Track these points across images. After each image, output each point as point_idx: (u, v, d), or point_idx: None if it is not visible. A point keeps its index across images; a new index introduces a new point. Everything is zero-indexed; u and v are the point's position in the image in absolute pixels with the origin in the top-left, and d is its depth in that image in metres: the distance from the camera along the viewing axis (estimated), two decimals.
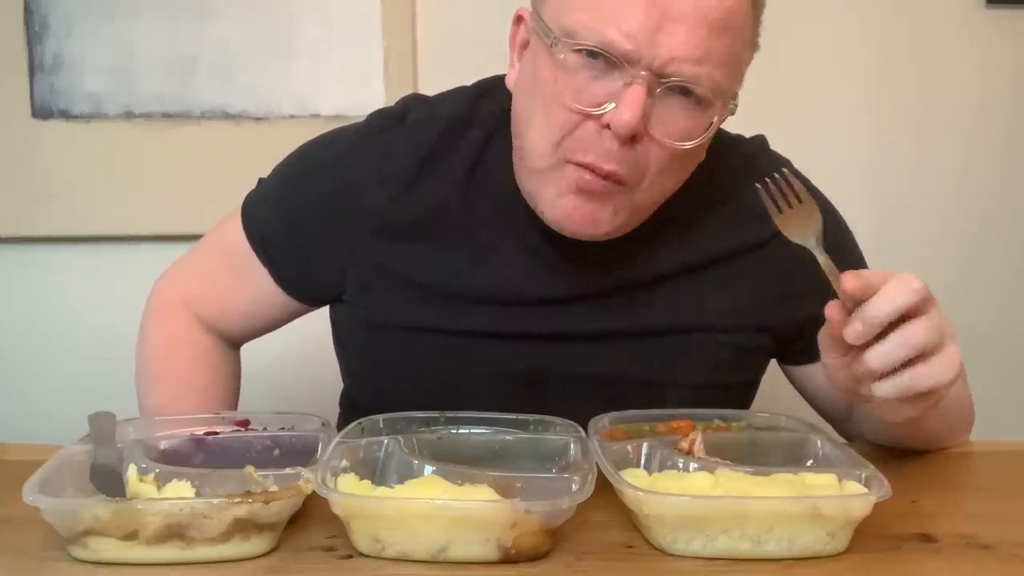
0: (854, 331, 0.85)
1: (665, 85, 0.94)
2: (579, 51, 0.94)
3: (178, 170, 1.72)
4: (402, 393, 1.10)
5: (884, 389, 0.87)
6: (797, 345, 1.15)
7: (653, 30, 0.92)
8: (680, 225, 1.08)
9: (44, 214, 1.72)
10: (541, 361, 1.09)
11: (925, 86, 1.79)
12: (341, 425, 1.04)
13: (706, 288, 1.10)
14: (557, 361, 1.09)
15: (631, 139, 0.95)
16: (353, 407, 1.20)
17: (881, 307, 0.84)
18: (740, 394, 1.17)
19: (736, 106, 1.01)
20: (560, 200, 1.00)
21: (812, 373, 1.16)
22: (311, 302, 1.19)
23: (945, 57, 1.78)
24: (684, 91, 0.95)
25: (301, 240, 1.13)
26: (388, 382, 1.14)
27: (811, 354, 1.10)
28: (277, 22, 1.71)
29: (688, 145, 0.97)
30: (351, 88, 1.72)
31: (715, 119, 0.98)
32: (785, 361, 1.20)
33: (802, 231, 0.92)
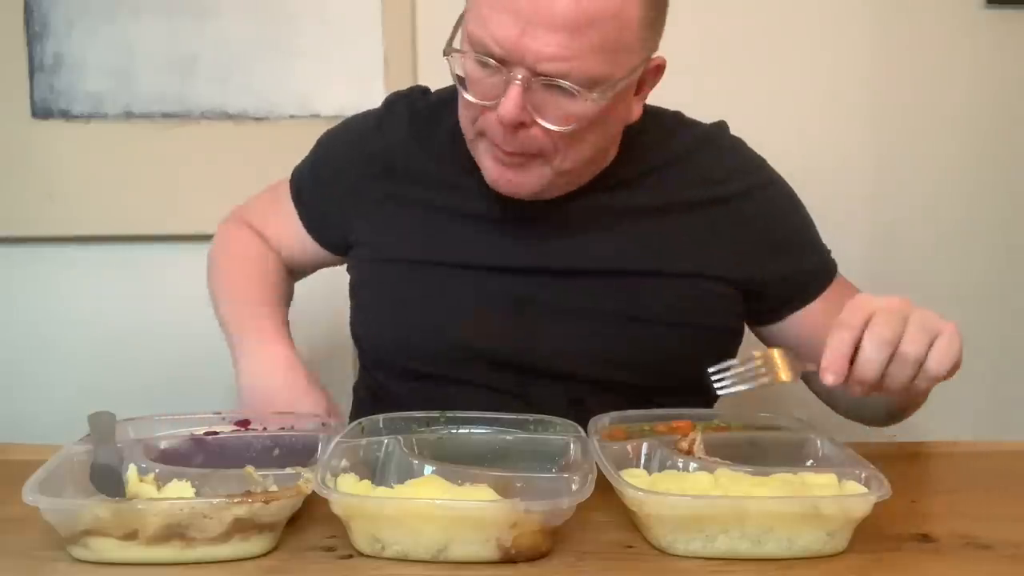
0: (858, 388, 0.94)
1: (540, 81, 1.04)
2: (472, 58, 1.07)
3: (178, 170, 1.72)
4: (405, 326, 1.20)
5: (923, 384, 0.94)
6: (764, 304, 1.22)
7: (518, 36, 1.02)
8: (643, 173, 1.19)
9: (44, 214, 1.72)
10: (526, 291, 1.17)
11: (925, 86, 1.79)
12: (354, 415, 1.22)
13: (669, 232, 1.19)
14: (540, 292, 1.17)
15: (520, 125, 1.06)
16: (368, 394, 1.28)
17: (835, 346, 0.93)
18: (720, 339, 1.21)
19: (632, 80, 1.09)
20: (486, 164, 1.13)
21: (782, 335, 1.23)
22: (329, 247, 1.31)
23: (945, 57, 1.78)
24: (556, 84, 1.05)
25: (321, 188, 1.29)
26: (391, 316, 1.22)
27: (780, 313, 1.22)
28: (277, 22, 1.70)
29: (567, 129, 1.07)
30: (351, 88, 1.71)
31: (594, 103, 1.05)
32: (756, 322, 1.25)
33: (795, 367, 0.98)
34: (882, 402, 1.14)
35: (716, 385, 0.98)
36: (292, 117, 1.71)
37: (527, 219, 1.18)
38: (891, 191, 1.81)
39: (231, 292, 1.29)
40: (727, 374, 0.98)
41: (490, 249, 1.18)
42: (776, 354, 0.98)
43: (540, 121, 1.06)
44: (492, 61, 1.05)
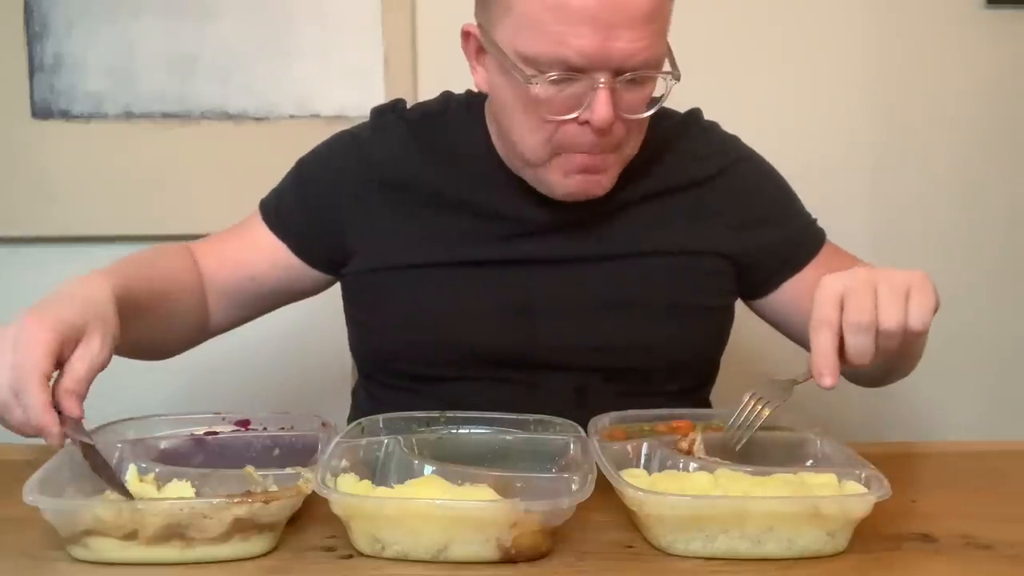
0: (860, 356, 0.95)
1: (624, 79, 1.05)
2: (547, 79, 1.05)
3: (178, 170, 1.72)
4: (413, 331, 1.19)
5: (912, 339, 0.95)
6: (756, 275, 1.24)
7: (602, 42, 1.02)
8: (636, 165, 1.18)
9: (44, 214, 1.72)
10: (527, 284, 1.18)
11: (925, 86, 1.79)
12: (352, 417, 1.20)
13: (664, 215, 1.21)
14: (540, 285, 1.18)
15: (609, 127, 1.06)
16: (367, 397, 1.27)
17: (820, 349, 0.94)
18: (715, 320, 1.25)
19: (675, 62, 1.10)
20: (567, 179, 1.12)
21: (776, 305, 1.25)
22: (320, 265, 1.25)
23: (945, 57, 1.78)
24: (635, 78, 1.06)
25: (313, 205, 1.24)
26: (399, 323, 1.20)
27: (772, 283, 1.24)
28: (277, 22, 1.70)
29: (649, 113, 1.10)
30: (351, 88, 1.71)
31: (662, 84, 1.10)
32: (750, 296, 1.27)
33: (781, 393, 1.01)
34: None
35: (733, 441, 0.99)
36: (292, 117, 1.71)
37: (525, 218, 1.19)
38: (891, 191, 1.81)
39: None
40: (735, 430, 0.99)
41: (490, 247, 1.18)
42: (762, 388, 1.01)
43: (625, 115, 1.07)
44: (572, 75, 1.04)
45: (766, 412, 0.99)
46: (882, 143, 1.80)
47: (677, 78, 1.09)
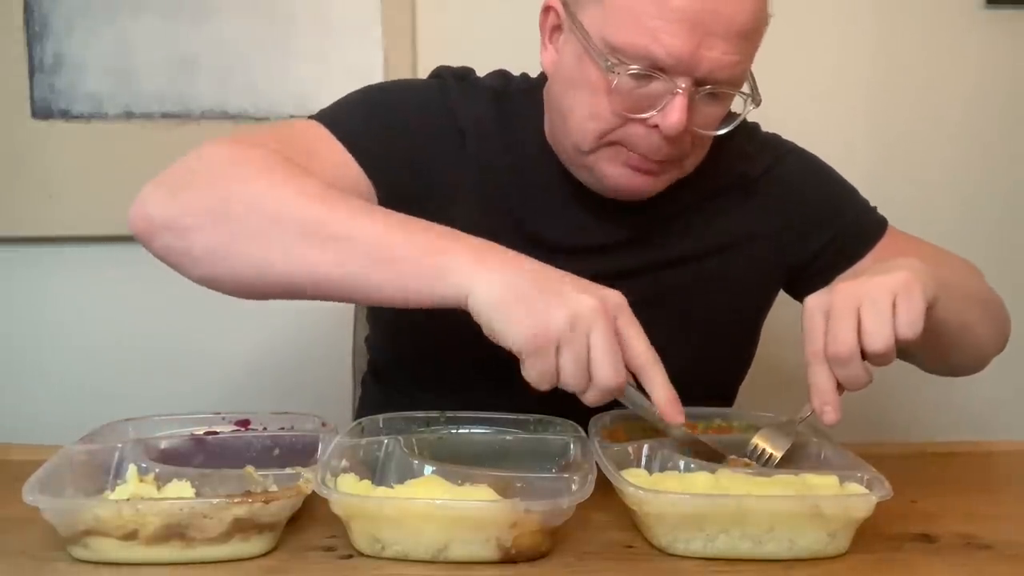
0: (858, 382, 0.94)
1: (705, 90, 1.01)
2: (630, 71, 1.00)
3: None
4: (440, 339, 1.09)
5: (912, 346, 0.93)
6: (812, 270, 1.20)
7: (695, 47, 0.98)
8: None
9: (44, 214, 1.72)
10: None
11: (925, 86, 1.79)
12: (360, 407, 1.18)
13: (713, 217, 1.17)
14: None
15: (678, 136, 1.02)
16: (377, 388, 1.25)
17: (818, 385, 0.94)
18: (744, 339, 1.22)
19: (756, 87, 1.07)
20: (616, 170, 1.07)
21: None
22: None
23: (945, 57, 1.78)
24: (716, 92, 1.03)
25: (387, 142, 1.11)
26: (426, 332, 1.12)
27: (828, 277, 1.16)
28: (277, 22, 1.70)
29: (722, 132, 1.06)
30: (351, 88, 1.71)
31: (741, 104, 1.06)
32: (803, 291, 1.19)
33: (784, 439, 1.00)
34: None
35: None
36: (292, 117, 1.71)
37: (577, 241, 1.12)
38: (889, 191, 1.80)
39: (354, 211, 0.95)
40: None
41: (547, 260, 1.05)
42: (763, 436, 1.01)
43: (696, 128, 1.03)
44: (654, 73, 1.00)
45: (778, 455, 0.99)
46: (881, 142, 1.80)
47: (757, 103, 1.05)
